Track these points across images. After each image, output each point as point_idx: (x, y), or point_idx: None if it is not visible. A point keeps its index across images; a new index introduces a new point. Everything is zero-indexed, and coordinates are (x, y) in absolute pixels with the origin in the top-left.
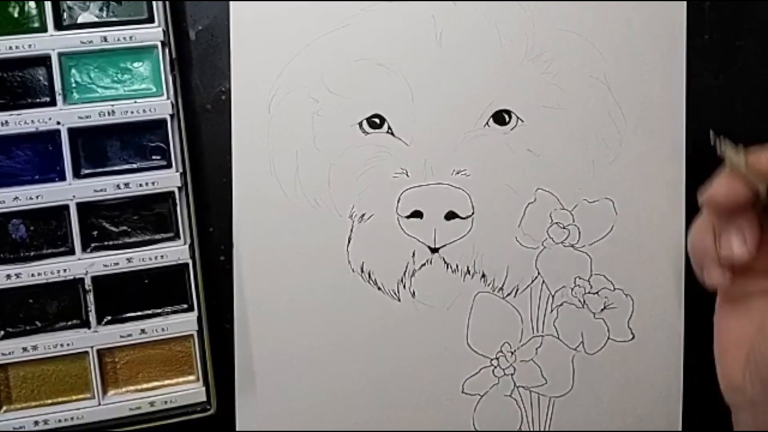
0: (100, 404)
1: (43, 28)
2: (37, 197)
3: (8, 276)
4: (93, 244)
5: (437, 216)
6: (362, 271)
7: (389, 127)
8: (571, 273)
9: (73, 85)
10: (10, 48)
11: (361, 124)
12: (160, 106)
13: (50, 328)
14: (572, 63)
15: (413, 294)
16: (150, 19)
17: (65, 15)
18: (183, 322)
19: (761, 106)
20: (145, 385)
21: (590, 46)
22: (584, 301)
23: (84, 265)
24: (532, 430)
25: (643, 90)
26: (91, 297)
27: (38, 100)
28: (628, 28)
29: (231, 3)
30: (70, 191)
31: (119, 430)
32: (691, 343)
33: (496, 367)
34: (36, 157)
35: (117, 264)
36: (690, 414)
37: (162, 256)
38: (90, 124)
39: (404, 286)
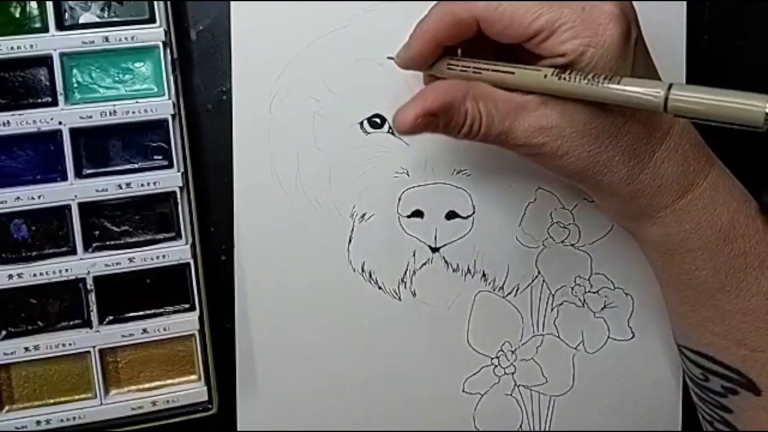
0: (102, 404)
1: (44, 29)
2: (38, 197)
3: (10, 276)
4: (95, 244)
5: (438, 215)
6: (363, 271)
7: (390, 127)
8: (571, 272)
9: (75, 85)
10: (12, 48)
11: (361, 123)
12: (161, 106)
13: (52, 328)
14: None
15: (414, 293)
16: (151, 20)
17: (67, 15)
18: (185, 322)
19: None
20: (146, 385)
21: None
22: (584, 300)
23: (86, 264)
24: (532, 429)
25: None
26: (92, 297)
27: (40, 100)
28: None
29: (232, 3)
30: (72, 191)
31: (121, 430)
32: None
33: (496, 366)
34: (38, 157)
35: (119, 264)
36: (690, 414)
37: (163, 256)
38: (91, 124)
39: (405, 286)
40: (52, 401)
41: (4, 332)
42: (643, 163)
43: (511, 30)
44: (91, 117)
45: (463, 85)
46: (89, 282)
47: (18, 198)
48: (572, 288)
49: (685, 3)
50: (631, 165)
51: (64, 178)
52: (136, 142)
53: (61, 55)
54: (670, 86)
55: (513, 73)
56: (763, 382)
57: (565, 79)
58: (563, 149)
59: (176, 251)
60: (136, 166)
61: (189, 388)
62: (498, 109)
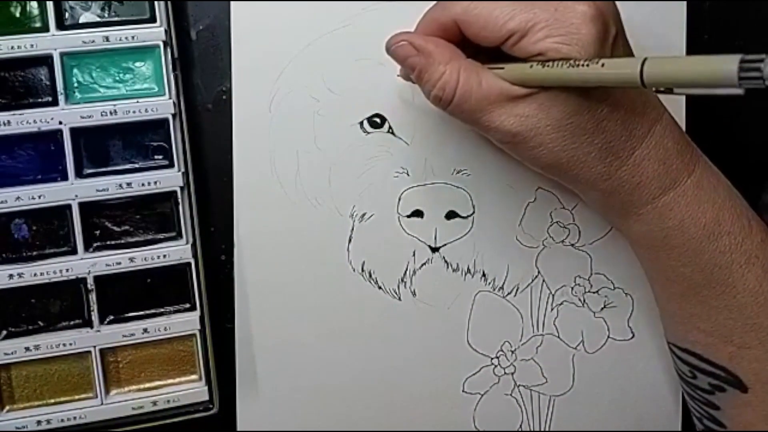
0: (102, 404)
1: (45, 28)
2: (39, 197)
3: (11, 276)
4: (95, 244)
5: (438, 215)
6: (363, 271)
7: (390, 127)
8: (571, 272)
9: (75, 84)
10: (12, 48)
11: (361, 123)
12: (162, 105)
13: (52, 328)
14: None
15: (414, 293)
16: (152, 19)
17: (67, 15)
18: (185, 322)
19: (761, 106)
20: (147, 385)
21: None
22: (584, 300)
23: (86, 264)
24: (532, 429)
25: None
26: (93, 296)
27: (40, 100)
28: (627, 28)
29: (232, 3)
30: (73, 191)
31: (122, 430)
32: None
33: (496, 366)
34: (38, 157)
35: (119, 263)
36: (690, 414)
37: (164, 256)
38: (92, 123)
39: (405, 286)
40: (52, 401)
41: (4, 332)
42: (621, 160)
43: (487, 32)
44: (91, 117)
45: (454, 51)
46: (90, 282)
47: (18, 198)
48: (572, 288)
49: (685, 3)
50: (608, 162)
51: (65, 177)
52: (137, 141)
53: (62, 54)
54: (644, 59)
55: (503, 68)
56: (750, 379)
57: (548, 65)
58: (537, 141)
59: (177, 251)
60: (137, 165)
61: (190, 388)
62: (481, 87)
